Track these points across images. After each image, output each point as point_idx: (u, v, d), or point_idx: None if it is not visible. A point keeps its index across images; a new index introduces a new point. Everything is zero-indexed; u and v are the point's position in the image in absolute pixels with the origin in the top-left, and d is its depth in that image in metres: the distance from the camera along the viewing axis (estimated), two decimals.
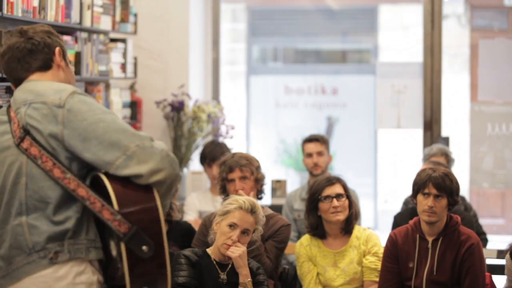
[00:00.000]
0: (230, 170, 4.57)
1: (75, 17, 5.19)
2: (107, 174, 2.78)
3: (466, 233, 4.17)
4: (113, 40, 6.07)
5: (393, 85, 7.38)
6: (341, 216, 4.40)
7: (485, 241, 5.60)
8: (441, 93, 7.21)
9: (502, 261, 4.47)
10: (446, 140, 7.03)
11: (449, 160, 5.94)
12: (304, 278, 4.45)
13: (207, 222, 4.44)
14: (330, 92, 8.73)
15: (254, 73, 8.94)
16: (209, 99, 7.35)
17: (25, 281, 2.78)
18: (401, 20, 8.91)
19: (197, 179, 6.66)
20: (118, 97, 6.20)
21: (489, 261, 4.79)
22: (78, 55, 5.28)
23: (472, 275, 4.09)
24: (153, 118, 6.92)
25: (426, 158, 5.94)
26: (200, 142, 6.83)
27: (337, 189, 4.42)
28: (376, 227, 8.39)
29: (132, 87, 6.76)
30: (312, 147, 5.95)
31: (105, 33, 5.85)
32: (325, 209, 4.39)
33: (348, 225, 4.44)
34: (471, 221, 4.99)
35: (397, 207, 5.75)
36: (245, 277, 3.94)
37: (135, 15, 6.35)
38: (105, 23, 5.73)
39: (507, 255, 4.29)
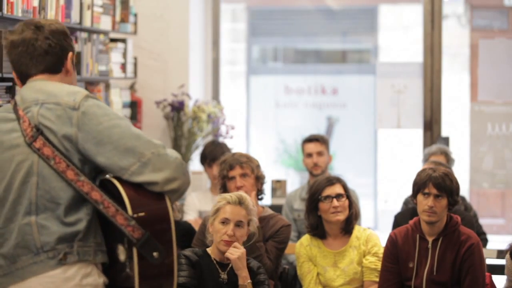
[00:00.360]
0: (231, 167, 4.58)
1: (75, 17, 5.19)
2: (118, 179, 2.78)
3: (466, 233, 4.17)
4: (113, 40, 6.07)
5: (393, 85, 7.38)
6: (341, 216, 4.40)
7: (485, 241, 5.60)
8: (441, 93, 7.20)
9: (502, 261, 4.47)
10: (446, 140, 7.02)
11: (449, 159, 5.94)
12: (304, 278, 4.45)
13: (207, 222, 4.44)
14: (330, 92, 8.73)
15: (254, 73, 8.94)
16: (209, 99, 7.35)
17: (30, 280, 2.75)
18: (401, 20, 8.91)
19: (197, 179, 6.66)
20: (118, 97, 6.20)
21: (489, 261, 4.79)
22: (78, 55, 5.28)
23: (472, 275, 4.09)
24: (153, 118, 6.91)
25: (426, 158, 5.95)
26: (200, 142, 6.83)
27: (337, 189, 4.42)
28: (376, 227, 8.39)
29: (132, 87, 6.76)
30: (312, 147, 5.95)
31: (105, 33, 5.84)
32: (325, 209, 4.39)
33: (348, 225, 4.44)
34: (471, 221, 4.98)
35: (397, 207, 5.74)
36: (244, 279, 3.93)
37: (135, 15, 6.35)
38: (105, 23, 5.73)
39: (507, 255, 4.29)
